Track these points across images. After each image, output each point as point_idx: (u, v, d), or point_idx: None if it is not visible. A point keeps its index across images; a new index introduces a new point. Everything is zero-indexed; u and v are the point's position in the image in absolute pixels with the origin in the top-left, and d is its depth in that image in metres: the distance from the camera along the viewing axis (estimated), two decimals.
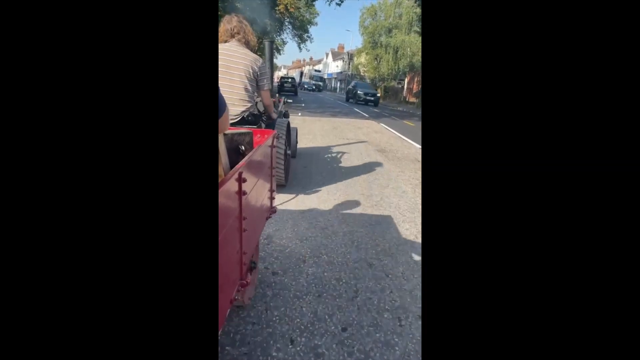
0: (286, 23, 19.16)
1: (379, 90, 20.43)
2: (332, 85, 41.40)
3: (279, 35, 18.89)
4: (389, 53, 21.89)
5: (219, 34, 1.93)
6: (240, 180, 0.82)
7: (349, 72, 33.38)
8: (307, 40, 20.20)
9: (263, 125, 2.23)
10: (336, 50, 43.48)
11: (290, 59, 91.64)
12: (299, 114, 8.91)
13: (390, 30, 21.72)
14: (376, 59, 23.63)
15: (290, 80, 18.91)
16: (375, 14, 23.25)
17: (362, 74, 29.60)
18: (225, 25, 1.92)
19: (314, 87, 31.18)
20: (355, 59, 30.00)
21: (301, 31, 19.83)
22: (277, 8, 13.45)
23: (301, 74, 32.86)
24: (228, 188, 0.72)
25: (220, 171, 0.85)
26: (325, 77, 41.37)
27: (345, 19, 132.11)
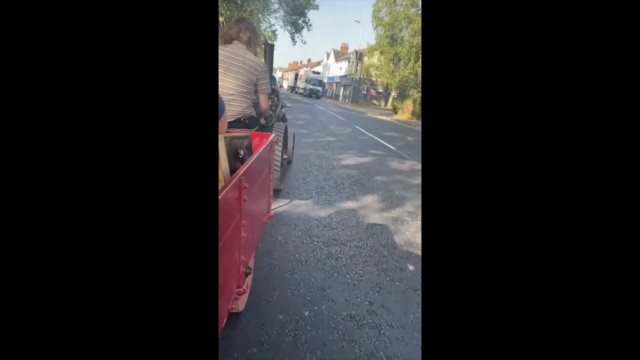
0: (276, 4, 13.27)
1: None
2: (334, 91, 35.82)
3: (264, 14, 13.00)
4: None
5: (225, 30, 2.10)
6: (241, 187, 0.88)
7: (357, 76, 27.69)
8: (302, 28, 14.42)
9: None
10: (339, 50, 37.98)
11: (286, 61, 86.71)
12: None
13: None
14: (393, 60, 17.90)
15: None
16: (394, 1, 17.56)
17: (373, 78, 23.85)
18: (238, 24, 2.07)
19: (310, 93, 25.30)
20: (365, 59, 24.16)
21: (296, 16, 13.92)
22: None
23: (296, 76, 27.50)
24: (228, 195, 0.78)
25: (221, 177, 0.91)
26: (326, 80, 35.70)
27: (349, 13, 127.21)
